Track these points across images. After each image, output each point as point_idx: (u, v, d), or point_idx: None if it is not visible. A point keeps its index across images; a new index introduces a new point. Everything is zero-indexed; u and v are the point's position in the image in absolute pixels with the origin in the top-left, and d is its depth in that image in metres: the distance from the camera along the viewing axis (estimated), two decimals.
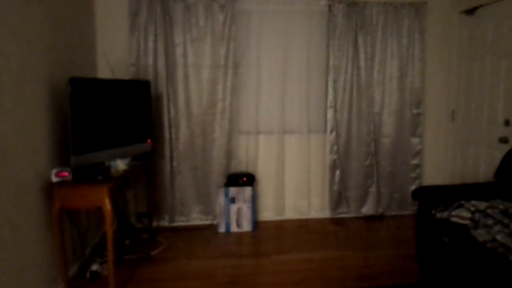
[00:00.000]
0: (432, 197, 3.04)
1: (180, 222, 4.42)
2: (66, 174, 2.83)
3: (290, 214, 4.63)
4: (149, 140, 3.80)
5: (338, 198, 4.60)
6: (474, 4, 4.17)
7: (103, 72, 4.17)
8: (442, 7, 4.60)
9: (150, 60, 4.17)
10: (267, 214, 4.59)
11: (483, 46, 4.10)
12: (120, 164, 3.25)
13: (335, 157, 4.52)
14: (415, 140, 4.65)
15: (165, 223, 4.37)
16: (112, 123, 3.30)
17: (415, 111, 4.60)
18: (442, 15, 4.61)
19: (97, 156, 3.09)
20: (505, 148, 3.74)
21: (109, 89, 3.29)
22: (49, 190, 2.82)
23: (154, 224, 4.33)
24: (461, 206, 2.86)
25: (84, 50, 3.78)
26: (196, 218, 4.46)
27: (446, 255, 2.74)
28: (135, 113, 3.63)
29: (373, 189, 4.62)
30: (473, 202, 2.86)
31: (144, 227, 4.27)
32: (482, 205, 2.81)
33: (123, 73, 4.19)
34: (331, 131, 4.48)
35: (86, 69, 3.84)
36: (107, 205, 2.79)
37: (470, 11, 4.26)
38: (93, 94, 3.08)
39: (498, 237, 2.44)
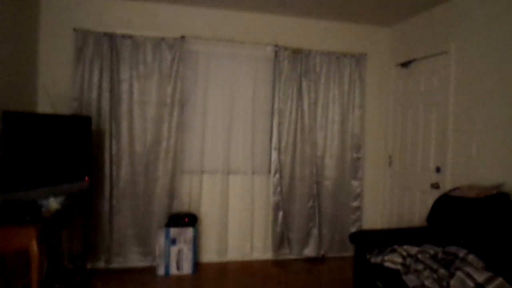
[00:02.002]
0: (367, 241, 3.12)
1: (117, 263, 4.21)
2: None
3: (232, 255, 4.56)
4: (86, 178, 3.66)
5: (280, 240, 4.60)
6: (408, 58, 4.50)
7: (44, 106, 4.02)
8: (380, 59, 4.93)
9: (94, 95, 4.09)
10: (209, 255, 4.50)
11: (417, 96, 4.40)
12: (53, 203, 3.10)
13: (279, 198, 4.56)
14: (356, 183, 4.81)
15: (101, 264, 4.15)
16: (47, 159, 3.16)
17: (355, 155, 4.79)
18: (380, 66, 4.93)
19: (28, 194, 2.93)
20: (436, 194, 3.95)
21: (46, 124, 3.17)
22: None
23: (89, 265, 4.11)
24: (394, 250, 2.96)
25: (24, 83, 3.64)
26: (135, 260, 4.27)
27: None
28: (73, 150, 3.50)
29: (315, 231, 4.68)
30: (405, 247, 2.97)
31: (78, 269, 4.03)
32: (414, 249, 2.92)
33: (65, 108, 4.06)
34: (275, 173, 4.54)
35: (25, 102, 3.69)
36: (34, 249, 2.62)
37: (405, 64, 4.58)
38: (27, 129, 2.95)
39: (427, 282, 2.53)
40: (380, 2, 4.03)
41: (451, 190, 3.41)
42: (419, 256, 2.83)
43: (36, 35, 3.98)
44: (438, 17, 4.05)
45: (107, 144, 4.12)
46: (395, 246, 3.00)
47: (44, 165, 3.13)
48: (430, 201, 4.05)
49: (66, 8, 4.11)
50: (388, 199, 4.87)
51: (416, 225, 4.25)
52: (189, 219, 4.16)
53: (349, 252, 4.75)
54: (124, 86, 4.19)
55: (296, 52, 4.55)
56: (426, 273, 2.63)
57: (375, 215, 4.96)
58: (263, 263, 4.52)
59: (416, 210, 4.35)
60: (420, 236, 3.20)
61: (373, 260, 2.97)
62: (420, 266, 2.72)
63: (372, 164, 4.95)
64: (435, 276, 2.59)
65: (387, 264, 2.84)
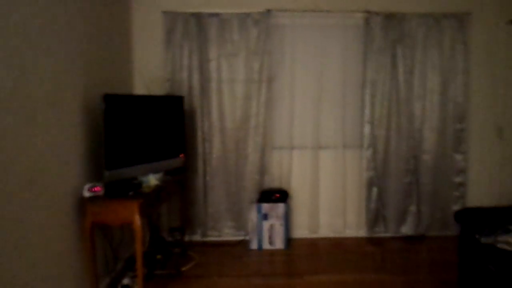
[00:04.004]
0: (476, 220, 2.83)
1: (212, 237, 4.38)
2: (99, 189, 2.86)
3: (324, 232, 4.48)
4: (182, 155, 3.80)
5: (375, 217, 4.41)
6: None
7: (139, 87, 4.25)
8: (487, 17, 4.37)
9: (185, 75, 4.21)
10: (301, 231, 4.47)
11: None
12: (152, 180, 3.27)
13: (372, 174, 4.35)
14: (459, 157, 4.40)
15: (197, 237, 4.35)
16: (145, 138, 3.34)
17: (458, 126, 4.36)
18: (487, 26, 4.37)
19: (129, 171, 3.12)
20: None
21: (143, 104, 3.33)
22: (82, 204, 2.86)
23: (186, 238, 4.32)
24: (508, 231, 2.65)
25: (120, 66, 3.86)
26: (228, 234, 4.40)
27: (491, 284, 2.53)
28: (168, 128, 3.65)
29: (413, 208, 4.40)
30: None
31: (176, 242, 4.26)
32: None
33: (158, 88, 4.25)
34: (368, 147, 4.32)
35: (122, 84, 3.91)
36: (137, 222, 2.79)
37: None
38: (126, 110, 3.12)
39: None
40: None
41: None
42: None
43: (129, 20, 4.18)
44: None
45: (198, 122, 4.24)
46: (510, 226, 2.68)
47: (143, 143, 3.31)
48: None
49: None
50: (497, 175, 4.39)
51: None
52: (280, 195, 4.15)
53: (451, 231, 4.40)
54: (213, 65, 4.25)
55: (389, 17, 4.21)
56: None
57: (481, 193, 4.50)
58: (356, 240, 4.38)
59: None
60: None
61: (483, 240, 2.68)
62: None
63: (479, 136, 4.46)
64: None
65: (501, 245, 2.55)
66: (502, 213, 2.85)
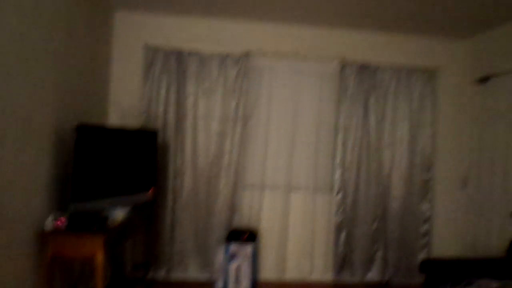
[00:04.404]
0: (440, 272, 2.88)
1: (177, 274, 4.25)
2: (62, 221, 2.76)
3: (291, 274, 4.43)
4: (152, 190, 3.75)
5: (342, 261, 4.41)
6: (487, 74, 4.17)
7: (114, 119, 4.22)
8: (454, 74, 4.62)
9: (161, 109, 4.22)
10: (268, 273, 4.40)
11: (496, 116, 4.06)
12: (119, 214, 3.19)
13: (342, 218, 4.39)
14: (425, 206, 4.51)
15: (162, 274, 4.22)
16: (115, 171, 3.28)
17: (425, 176, 4.50)
18: (454, 82, 4.62)
19: (96, 204, 3.05)
20: None
21: (115, 137, 3.30)
22: (43, 236, 2.75)
23: (150, 275, 4.18)
24: (470, 284, 2.70)
25: (97, 97, 3.84)
26: (194, 272, 4.29)
27: None
28: (140, 162, 3.61)
29: (379, 254, 4.43)
30: (483, 280, 2.69)
31: (139, 279, 4.12)
32: (494, 284, 2.64)
33: (133, 121, 4.23)
34: (338, 191, 4.38)
35: (97, 115, 3.88)
36: (100, 257, 2.70)
37: (483, 80, 4.25)
38: (98, 142, 3.08)
39: None
40: (457, 14, 3.78)
41: None
42: None
43: (109, 51, 4.20)
44: None
45: (171, 156, 4.22)
46: (473, 279, 2.73)
47: (112, 176, 3.25)
48: (510, 230, 3.69)
49: (138, 26, 4.30)
50: (461, 225, 4.51)
51: (494, 255, 3.88)
52: (249, 235, 4.12)
53: (417, 279, 4.44)
54: (190, 101, 4.29)
55: (363, 67, 4.39)
56: None
57: (446, 242, 4.60)
58: (322, 286, 4.35)
59: (493, 238, 3.97)
60: (500, 269, 2.90)
61: None
62: None
63: (444, 186, 4.61)
64: None
65: None
66: (465, 266, 2.91)
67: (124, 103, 4.25)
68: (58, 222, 2.73)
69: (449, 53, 4.62)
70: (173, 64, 4.23)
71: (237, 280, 4.05)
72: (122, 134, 3.38)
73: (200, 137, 4.30)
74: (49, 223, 2.71)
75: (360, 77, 4.40)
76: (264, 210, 4.41)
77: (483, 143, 4.23)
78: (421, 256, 4.47)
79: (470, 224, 4.36)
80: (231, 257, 4.04)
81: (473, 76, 4.42)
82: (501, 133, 3.97)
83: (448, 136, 4.62)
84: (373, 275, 4.44)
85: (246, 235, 4.10)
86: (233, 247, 4.05)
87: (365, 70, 4.40)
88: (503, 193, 3.88)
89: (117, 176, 3.31)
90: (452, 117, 4.63)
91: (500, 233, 3.87)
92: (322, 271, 4.47)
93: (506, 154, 3.88)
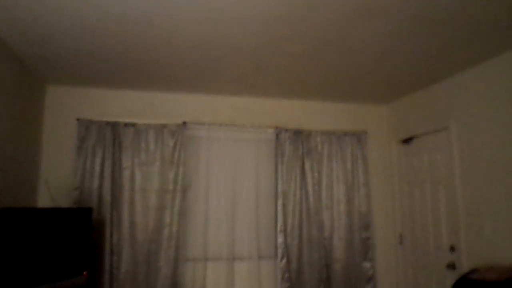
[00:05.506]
0: None
1: None
2: None
3: None
4: (85, 273, 3.48)
5: None
6: (409, 135, 4.52)
7: (44, 198, 3.97)
8: (381, 136, 4.95)
9: (96, 183, 4.05)
10: None
11: (422, 173, 4.34)
12: None
13: (287, 285, 4.32)
14: (367, 265, 4.58)
15: None
16: (43, 256, 3.04)
17: (364, 235, 4.62)
18: (381, 144, 4.94)
19: None
20: (453, 275, 3.74)
21: (44, 219, 3.10)
22: None
23: None
24: None
25: (25, 176, 3.63)
26: None
27: None
28: (72, 244, 3.37)
29: None
30: None
31: None
32: None
33: (66, 198, 4.00)
34: (282, 257, 4.35)
35: (25, 196, 3.64)
36: None
37: (406, 141, 4.59)
38: (25, 225, 2.87)
39: None
40: (377, 82, 4.13)
41: (469, 272, 3.22)
42: None
43: (40, 125, 4.05)
44: (436, 94, 4.12)
45: (107, 233, 4.00)
46: None
47: (41, 262, 3.00)
48: (447, 283, 3.84)
49: (69, 99, 4.22)
50: (402, 281, 4.61)
51: None
52: None
53: None
54: (126, 174, 4.17)
55: (297, 133, 4.58)
56: None
57: None
58: None
59: None
60: None
61: None
62: None
63: (383, 243, 4.75)
64: None
65: None
66: None
67: (56, 180, 4.04)
68: None
69: (375, 117, 4.98)
70: (108, 136, 4.13)
71: None
72: (51, 214, 3.18)
73: (138, 211, 4.14)
74: None
75: (295, 143, 4.57)
76: (208, 283, 4.24)
77: (414, 200, 4.47)
78: None
79: (411, 280, 4.47)
80: None
81: (398, 137, 4.76)
82: (428, 191, 4.23)
83: (381, 195, 4.84)
84: None
85: None
86: None
87: (299, 135, 4.59)
88: (438, 247, 4.06)
89: (45, 262, 3.06)
90: (383, 176, 4.88)
91: (439, 286, 4.00)
92: None
93: (434, 210, 4.12)
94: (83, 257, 3.50)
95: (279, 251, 4.37)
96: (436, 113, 4.11)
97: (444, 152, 3.99)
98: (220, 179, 4.42)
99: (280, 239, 4.38)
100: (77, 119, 4.15)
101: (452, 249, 3.83)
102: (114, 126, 4.18)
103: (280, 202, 4.43)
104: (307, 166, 4.56)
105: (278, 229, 4.40)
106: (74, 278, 3.35)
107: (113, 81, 4.05)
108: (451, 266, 3.80)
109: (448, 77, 3.92)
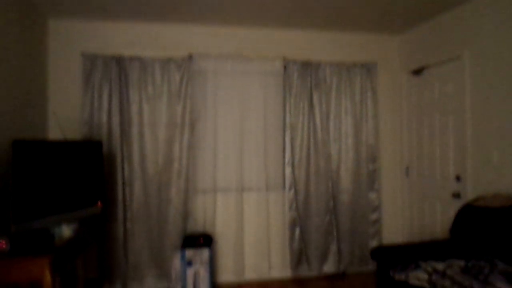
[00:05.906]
0: (389, 257, 3.00)
1: (133, 286, 4.14)
2: (3, 245, 2.60)
3: (250, 274, 4.45)
4: (99, 203, 3.61)
5: (298, 257, 4.49)
6: (420, 66, 4.40)
7: (55, 132, 4.02)
8: (391, 67, 4.84)
9: (104, 118, 4.08)
10: (226, 275, 4.40)
11: (431, 104, 4.29)
12: (66, 231, 3.05)
13: (295, 214, 4.46)
14: (373, 196, 4.68)
15: None
16: (58, 187, 3.13)
17: (371, 167, 4.67)
18: (391, 75, 4.84)
19: (40, 223, 2.89)
20: (458, 203, 3.82)
21: (57, 151, 3.14)
22: None
23: None
24: (418, 266, 2.84)
25: (34, 109, 3.65)
26: (151, 283, 4.20)
27: None
28: (85, 175, 3.46)
29: (333, 246, 4.55)
30: (430, 262, 2.84)
31: None
32: (440, 265, 2.79)
33: (76, 132, 4.06)
34: (290, 188, 4.45)
35: (36, 129, 3.68)
36: (47, 279, 2.57)
37: (417, 72, 4.49)
38: (38, 157, 2.92)
39: None
40: (388, 11, 3.96)
41: (474, 200, 3.29)
42: (448, 271, 2.69)
43: (45, 61, 4.01)
44: (449, 22, 3.96)
45: (119, 167, 4.09)
46: (420, 262, 2.88)
47: (55, 192, 3.10)
48: (452, 212, 3.92)
49: (73, 33, 4.14)
50: (407, 211, 4.73)
51: (439, 237, 4.11)
52: (204, 240, 4.08)
53: (371, 266, 4.62)
54: (134, 108, 4.18)
55: (305, 65, 4.49)
56: None
57: (395, 228, 4.82)
58: (281, 282, 4.40)
59: (437, 221, 4.21)
60: (444, 250, 3.07)
61: (397, 277, 2.84)
62: (447, 283, 2.59)
63: (389, 175, 4.82)
64: None
65: (413, 281, 2.72)
66: (412, 250, 3.06)
67: (65, 115, 4.07)
68: None
69: (385, 48, 4.83)
70: (114, 70, 4.09)
71: (196, 286, 4.01)
72: (63, 147, 3.23)
73: (148, 144, 4.20)
74: None
75: (303, 75, 4.49)
76: (218, 213, 4.39)
77: (422, 132, 4.47)
78: (373, 244, 4.64)
79: (416, 209, 4.58)
80: (188, 263, 3.99)
81: (408, 68, 4.65)
82: (437, 121, 4.21)
83: (389, 127, 4.83)
84: (329, 267, 4.56)
85: (201, 240, 4.07)
86: (189, 253, 4.00)
87: (307, 67, 4.50)
88: (443, 177, 4.11)
89: (60, 192, 3.16)
90: (392, 108, 4.84)
91: (443, 216, 4.10)
92: (280, 268, 4.52)
93: (442, 140, 4.12)
94: (96, 189, 3.61)
95: (287, 182, 4.46)
96: (448, 42, 3.98)
97: (455, 82, 3.91)
98: (228, 112, 4.41)
99: (288, 171, 4.45)
100: (82, 54, 4.09)
101: (457, 178, 3.88)
102: (119, 60, 4.11)
103: (288, 135, 4.45)
104: (316, 98, 4.52)
105: (286, 161, 4.46)
106: (89, 207, 3.48)
107: (116, 12, 3.92)
108: (456, 195, 3.86)
109: (462, 3, 3.74)
